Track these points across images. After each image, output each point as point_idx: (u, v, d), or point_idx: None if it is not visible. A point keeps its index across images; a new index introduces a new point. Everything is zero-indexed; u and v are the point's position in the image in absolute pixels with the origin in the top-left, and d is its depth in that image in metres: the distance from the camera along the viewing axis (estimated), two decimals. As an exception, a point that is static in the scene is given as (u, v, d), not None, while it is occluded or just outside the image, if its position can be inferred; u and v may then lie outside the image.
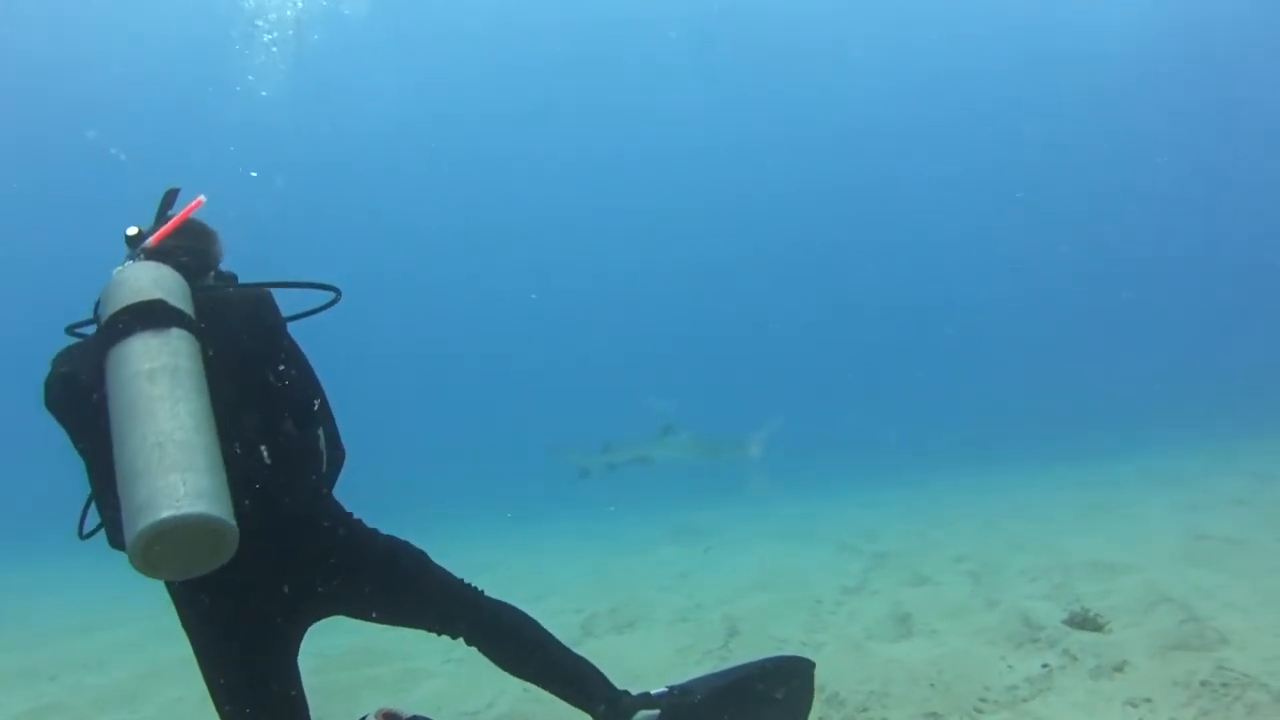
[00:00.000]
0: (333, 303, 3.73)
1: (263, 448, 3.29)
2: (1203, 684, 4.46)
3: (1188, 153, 40.38)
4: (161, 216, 3.67)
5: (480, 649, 3.93)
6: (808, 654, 6.21)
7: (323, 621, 3.69)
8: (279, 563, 3.36)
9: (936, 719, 4.64)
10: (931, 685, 5.08)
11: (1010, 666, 5.37)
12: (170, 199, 3.71)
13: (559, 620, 8.21)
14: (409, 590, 3.76)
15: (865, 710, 4.86)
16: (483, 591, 3.98)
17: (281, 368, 3.50)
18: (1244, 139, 39.50)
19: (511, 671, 3.98)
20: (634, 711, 3.92)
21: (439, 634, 3.90)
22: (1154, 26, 36.36)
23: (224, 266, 3.77)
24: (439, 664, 7.08)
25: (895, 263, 44.49)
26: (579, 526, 16.55)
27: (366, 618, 3.76)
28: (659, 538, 14.03)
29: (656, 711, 3.95)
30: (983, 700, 4.86)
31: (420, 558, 3.84)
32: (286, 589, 3.40)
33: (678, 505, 17.23)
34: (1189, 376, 30.01)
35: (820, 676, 5.59)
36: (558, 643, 4.03)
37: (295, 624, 3.56)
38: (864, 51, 38.62)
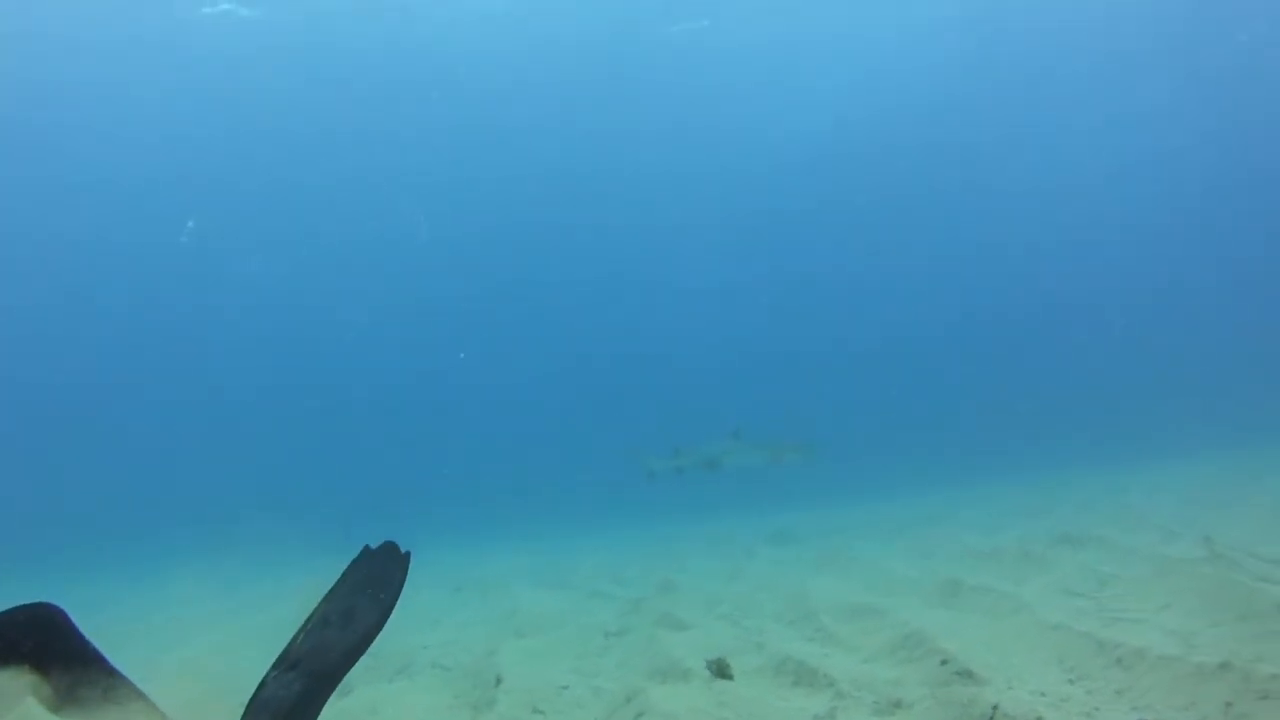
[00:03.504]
0: None
1: None
2: (980, 716, 4.68)
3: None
4: None
5: None
6: (591, 701, 6.23)
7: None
8: None
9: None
10: (722, 727, 5.13)
11: (794, 706, 5.50)
12: None
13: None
14: None
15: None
16: None
17: None
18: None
19: None
20: None
21: None
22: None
23: None
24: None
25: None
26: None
27: None
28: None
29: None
30: (775, 740, 4.96)
31: None
32: None
33: (444, 547, 17.14)
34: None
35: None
36: None
37: None
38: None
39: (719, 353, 43.13)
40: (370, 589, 4.42)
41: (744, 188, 42.21)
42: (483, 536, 19.47)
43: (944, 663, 5.77)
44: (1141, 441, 20.61)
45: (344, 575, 4.50)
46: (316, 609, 4.33)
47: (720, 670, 6.13)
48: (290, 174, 38.98)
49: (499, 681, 6.92)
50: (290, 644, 4.18)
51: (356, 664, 7.68)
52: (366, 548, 4.61)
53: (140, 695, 3.98)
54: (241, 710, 3.90)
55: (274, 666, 4.05)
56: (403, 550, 4.64)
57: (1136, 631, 6.02)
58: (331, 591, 4.43)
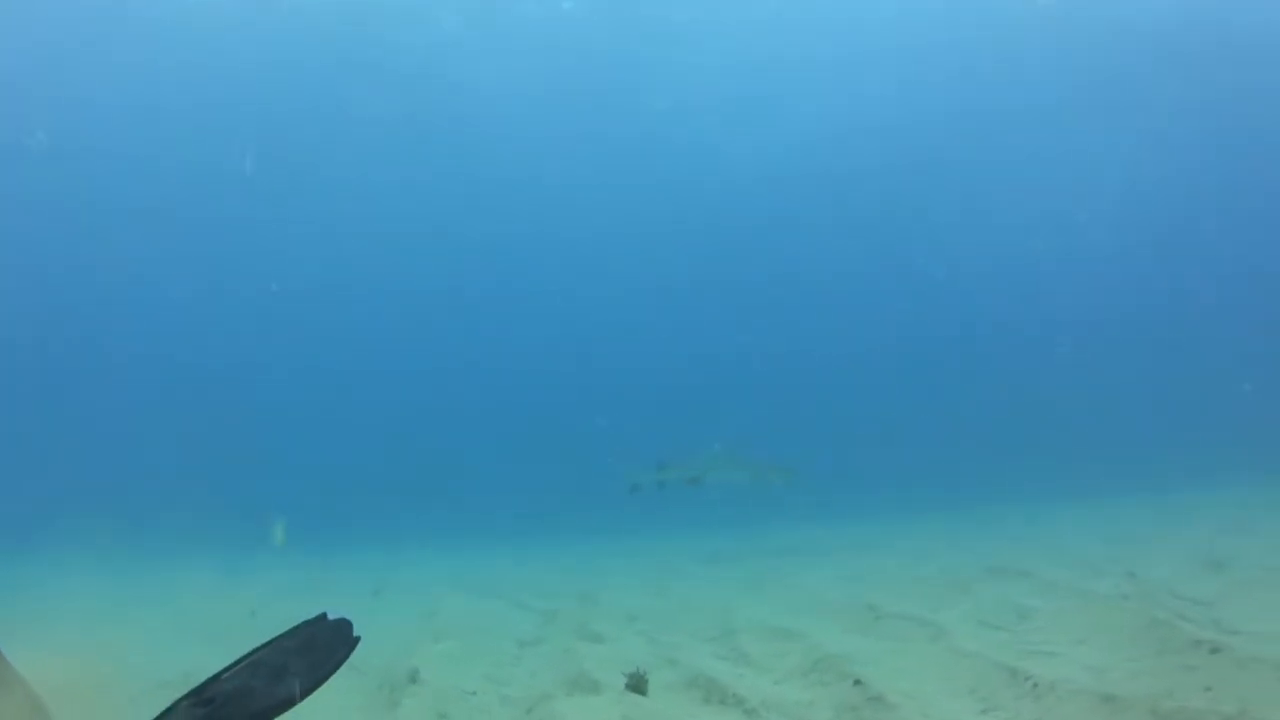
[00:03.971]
0: None
1: None
2: (887, 744, 4.58)
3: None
4: None
5: None
6: (497, 709, 6.09)
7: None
8: None
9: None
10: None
11: (700, 725, 5.39)
12: None
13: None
14: None
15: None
16: None
17: None
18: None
19: None
20: None
21: None
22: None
23: None
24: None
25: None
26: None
27: None
28: (314, 582, 13.67)
29: None
30: (677, 757, 4.83)
31: None
32: None
33: (359, 548, 16.94)
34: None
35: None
36: None
37: None
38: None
39: (694, 368, 42.93)
40: (309, 657, 4.21)
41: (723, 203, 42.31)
42: (410, 540, 19.19)
43: (857, 686, 5.68)
44: (1076, 477, 20.66)
45: (291, 631, 4.29)
46: (251, 653, 4.12)
47: (636, 685, 5.99)
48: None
49: (408, 685, 6.80)
50: (213, 678, 3.98)
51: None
52: (324, 615, 4.40)
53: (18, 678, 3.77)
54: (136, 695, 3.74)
55: (188, 695, 3.85)
56: (354, 634, 4.45)
57: (1051, 664, 5.96)
58: (273, 641, 4.22)
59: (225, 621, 10.65)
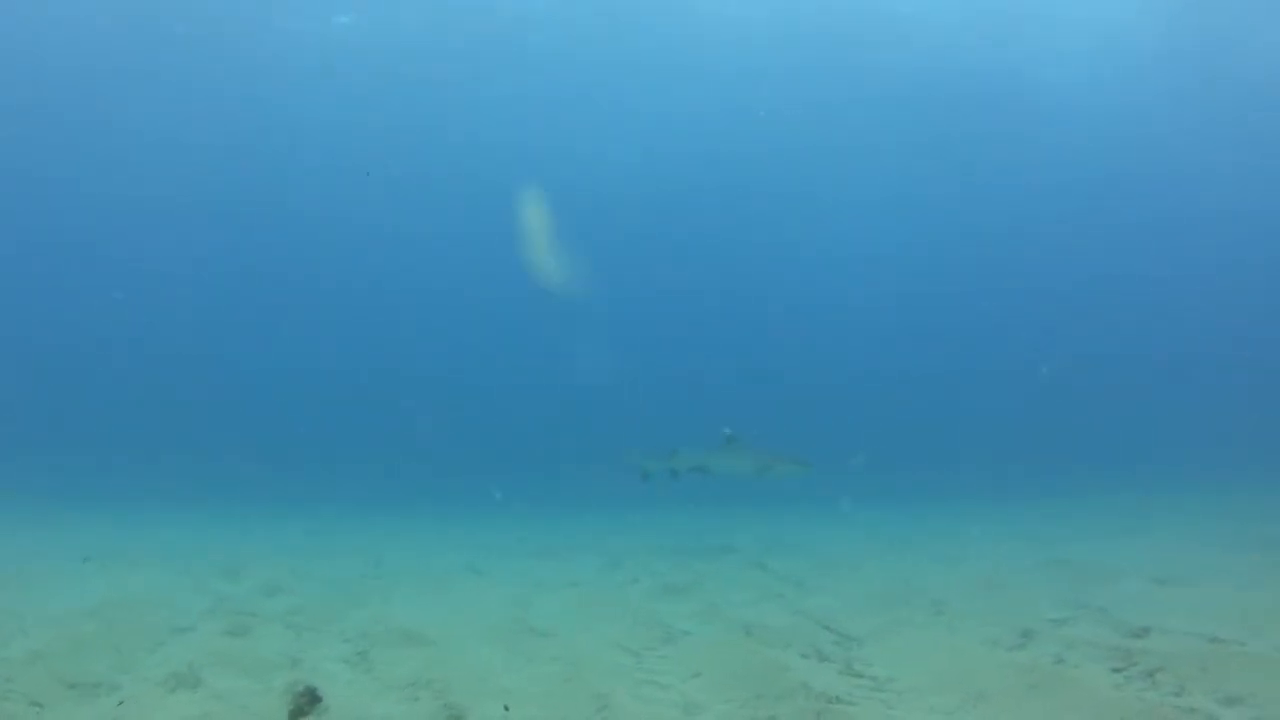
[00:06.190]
0: None
1: None
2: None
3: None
4: None
5: None
6: (100, 699, 5.81)
7: None
8: None
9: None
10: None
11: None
12: None
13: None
14: None
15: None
16: None
17: None
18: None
19: None
20: None
21: None
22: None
23: None
24: None
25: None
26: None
27: None
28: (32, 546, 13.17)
29: None
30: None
31: None
32: None
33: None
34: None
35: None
36: None
37: None
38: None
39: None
40: None
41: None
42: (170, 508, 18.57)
43: (445, 707, 5.62)
44: (826, 495, 21.15)
45: None
46: None
47: (307, 694, 5.71)
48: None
49: (25, 666, 6.47)
50: None
51: None
52: None
53: None
54: None
55: None
56: None
57: (654, 696, 6.01)
58: None
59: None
